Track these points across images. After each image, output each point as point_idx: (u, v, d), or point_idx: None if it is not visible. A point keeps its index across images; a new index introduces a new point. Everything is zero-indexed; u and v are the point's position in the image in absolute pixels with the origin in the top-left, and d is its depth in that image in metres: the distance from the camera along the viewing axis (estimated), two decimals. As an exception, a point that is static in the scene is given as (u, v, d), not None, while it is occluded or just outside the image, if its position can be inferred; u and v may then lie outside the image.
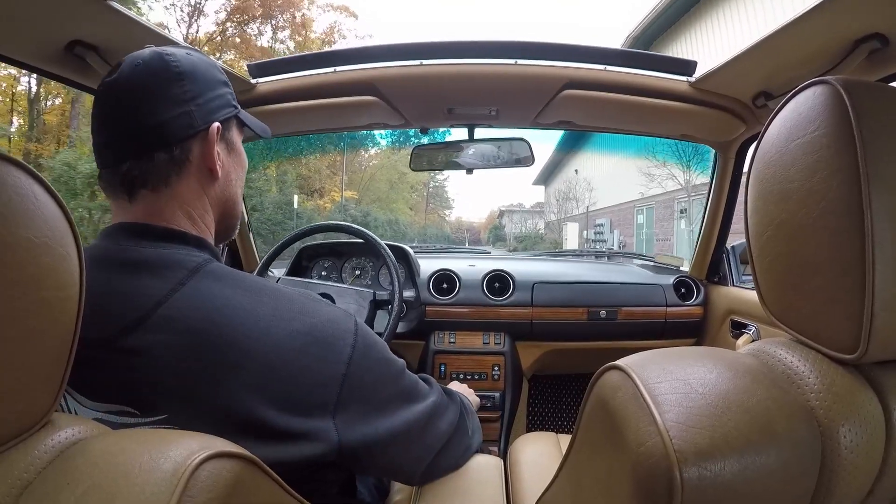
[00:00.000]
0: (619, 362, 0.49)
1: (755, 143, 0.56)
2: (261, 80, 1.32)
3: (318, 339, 0.62)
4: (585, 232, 20.44)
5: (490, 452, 1.68)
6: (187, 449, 0.39)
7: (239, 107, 0.76)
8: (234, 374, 0.56)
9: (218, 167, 0.69)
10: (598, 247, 17.67)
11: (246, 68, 1.31)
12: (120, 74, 0.64)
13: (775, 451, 0.42)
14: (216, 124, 0.68)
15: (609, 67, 1.32)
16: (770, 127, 0.53)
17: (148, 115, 0.63)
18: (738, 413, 0.43)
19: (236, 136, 0.75)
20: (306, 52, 1.35)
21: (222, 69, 0.75)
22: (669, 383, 0.45)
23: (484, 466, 0.94)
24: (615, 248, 17.53)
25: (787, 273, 0.51)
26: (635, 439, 0.43)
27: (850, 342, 0.46)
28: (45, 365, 0.43)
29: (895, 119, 0.45)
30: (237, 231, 0.81)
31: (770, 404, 0.44)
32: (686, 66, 1.31)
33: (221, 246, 1.77)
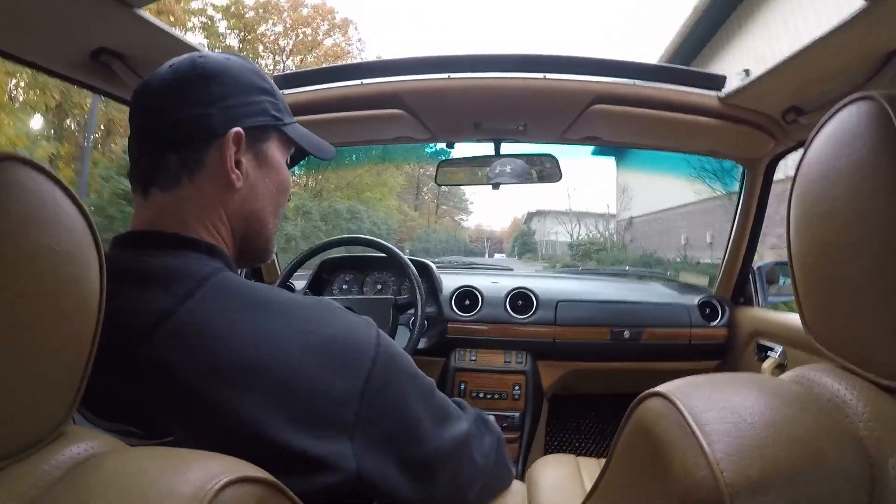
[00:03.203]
0: (661, 389, 0.47)
1: (798, 162, 0.54)
2: (286, 91, 1.31)
3: (335, 352, 0.57)
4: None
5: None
6: (207, 472, 0.37)
7: (285, 119, 0.72)
8: (244, 395, 0.52)
9: (235, 177, 0.65)
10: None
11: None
12: (154, 75, 0.64)
13: (826, 482, 0.40)
14: (235, 129, 0.63)
15: (638, 82, 1.30)
16: (812, 145, 0.52)
17: (165, 114, 0.62)
18: (787, 443, 0.40)
19: (274, 150, 0.70)
20: (332, 65, 1.35)
21: (266, 78, 0.71)
22: (717, 412, 0.42)
23: (508, 492, 0.90)
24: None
25: (832, 296, 0.49)
26: (682, 471, 0.40)
27: None
28: (61, 376, 0.41)
29: None
30: (269, 258, 0.77)
31: (819, 433, 0.42)
32: (715, 81, 1.29)
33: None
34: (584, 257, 14.42)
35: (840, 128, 0.48)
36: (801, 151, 0.54)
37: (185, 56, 0.65)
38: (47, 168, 0.42)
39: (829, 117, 0.50)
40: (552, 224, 18.88)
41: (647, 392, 0.48)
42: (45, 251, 0.39)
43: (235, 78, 0.66)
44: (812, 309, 0.53)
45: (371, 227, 13.28)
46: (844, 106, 0.49)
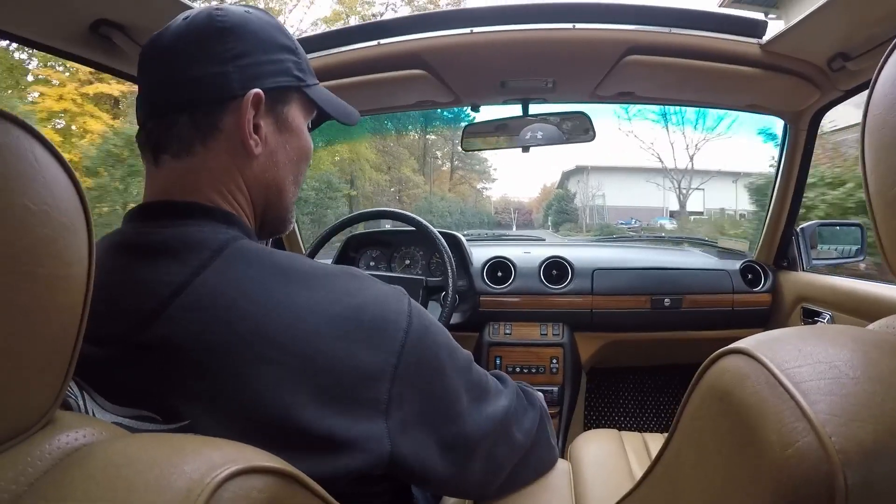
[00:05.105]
0: (739, 344, 0.40)
1: (869, 90, 0.46)
2: None
3: (364, 323, 0.52)
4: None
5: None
6: (208, 462, 0.32)
7: (308, 81, 0.66)
8: (264, 372, 0.47)
9: (253, 143, 0.59)
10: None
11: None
12: (166, 29, 0.59)
13: None
14: (254, 91, 0.57)
15: (674, 30, 1.21)
16: (885, 68, 0.45)
17: (177, 72, 0.56)
18: None
19: (296, 114, 0.65)
20: (348, 26, 1.29)
21: (288, 35, 0.65)
22: (811, 367, 0.36)
23: (552, 471, 0.85)
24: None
25: None
26: (779, 439, 0.34)
27: None
28: (43, 354, 0.36)
29: None
30: (288, 228, 0.71)
31: None
32: (755, 27, 1.21)
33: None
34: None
35: None
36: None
37: (201, 9, 0.60)
38: (24, 121, 0.36)
39: None
40: (601, 182, 14.29)
41: (722, 350, 0.42)
42: (18, 211, 0.33)
43: (256, 34, 0.60)
44: None
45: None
46: None
